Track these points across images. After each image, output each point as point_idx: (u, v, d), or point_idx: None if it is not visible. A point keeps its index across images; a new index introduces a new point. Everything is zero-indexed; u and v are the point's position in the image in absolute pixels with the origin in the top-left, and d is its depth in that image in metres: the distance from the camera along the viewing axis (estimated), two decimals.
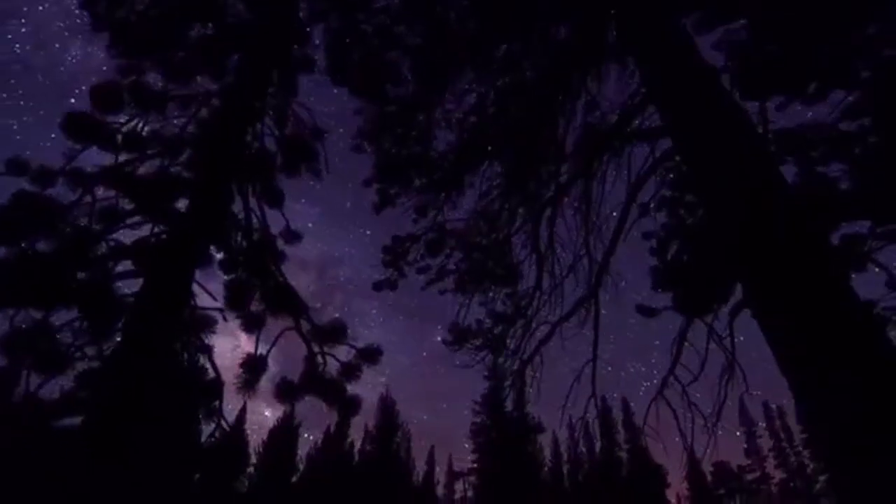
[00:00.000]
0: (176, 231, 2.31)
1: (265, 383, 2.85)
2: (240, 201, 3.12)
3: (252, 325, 2.86)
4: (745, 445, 40.17)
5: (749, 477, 39.69)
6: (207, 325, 2.75)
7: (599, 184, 7.03)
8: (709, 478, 40.51)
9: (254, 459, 32.65)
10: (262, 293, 2.94)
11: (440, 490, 39.66)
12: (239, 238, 2.97)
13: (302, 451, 34.12)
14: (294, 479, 32.18)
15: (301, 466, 33.16)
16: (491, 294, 8.07)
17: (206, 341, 2.75)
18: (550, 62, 6.80)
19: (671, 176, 6.74)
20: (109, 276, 2.33)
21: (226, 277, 3.03)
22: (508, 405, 6.38)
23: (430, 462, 38.77)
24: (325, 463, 32.61)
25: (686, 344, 5.82)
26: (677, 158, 6.29)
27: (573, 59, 6.59)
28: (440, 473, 40.53)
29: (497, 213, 7.79)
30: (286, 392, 2.77)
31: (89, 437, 1.74)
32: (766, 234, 3.42)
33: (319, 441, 35.22)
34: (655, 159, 6.03)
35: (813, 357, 2.82)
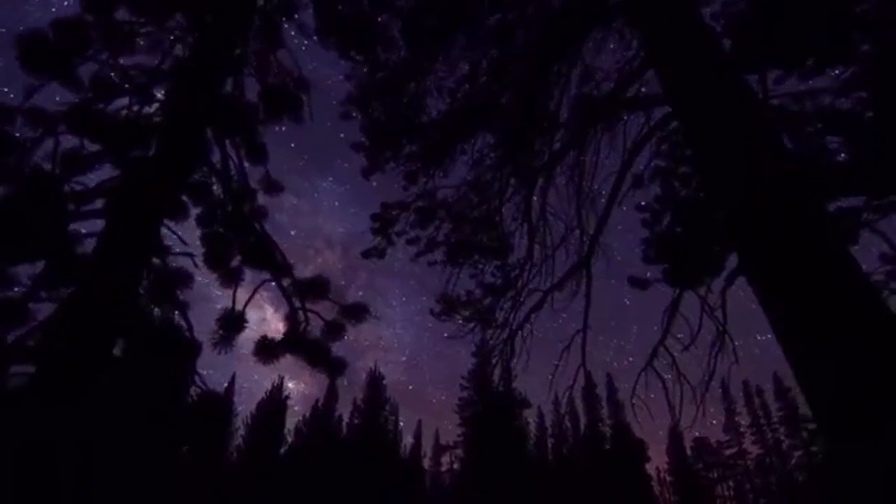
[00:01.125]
0: (143, 175, 2.13)
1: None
2: (217, 153, 2.94)
3: (229, 279, 2.70)
4: (725, 422, 41.29)
5: (727, 452, 40.91)
6: (182, 280, 2.60)
7: (593, 154, 6.90)
8: (688, 452, 41.74)
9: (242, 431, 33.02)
10: (240, 248, 2.78)
11: (427, 463, 40.41)
12: (217, 189, 2.80)
13: (290, 423, 34.51)
14: (282, 450, 32.56)
15: (290, 439, 33.55)
16: (481, 266, 7.98)
17: (181, 297, 2.61)
18: (545, 30, 6.57)
19: (665, 147, 6.63)
20: (69, 223, 2.17)
21: (202, 231, 2.86)
22: (496, 377, 6.34)
23: (418, 435, 39.42)
24: (313, 435, 32.96)
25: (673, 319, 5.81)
26: (673, 126, 6.17)
27: (569, 25, 6.37)
28: (427, 447, 41.23)
29: (488, 183, 7.64)
30: (266, 350, 2.65)
31: (41, 386, 1.61)
32: (766, 201, 3.33)
33: (308, 414, 35.61)
34: (650, 127, 5.89)
35: (813, 323, 2.75)
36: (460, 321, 7.30)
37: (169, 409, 2.39)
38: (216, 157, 3.02)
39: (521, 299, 6.25)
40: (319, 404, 35.80)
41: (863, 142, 5.78)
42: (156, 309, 2.71)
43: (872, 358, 2.36)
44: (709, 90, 4.02)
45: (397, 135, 6.83)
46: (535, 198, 6.92)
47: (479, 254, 7.97)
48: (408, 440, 38.52)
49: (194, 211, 2.89)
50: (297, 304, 2.74)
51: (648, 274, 6.02)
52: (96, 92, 2.51)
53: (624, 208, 6.78)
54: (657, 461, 42.52)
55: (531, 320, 5.92)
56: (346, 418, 35.40)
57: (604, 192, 6.54)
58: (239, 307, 2.62)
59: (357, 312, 2.78)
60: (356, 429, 33.98)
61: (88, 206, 2.26)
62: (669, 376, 4.80)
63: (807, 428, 37.15)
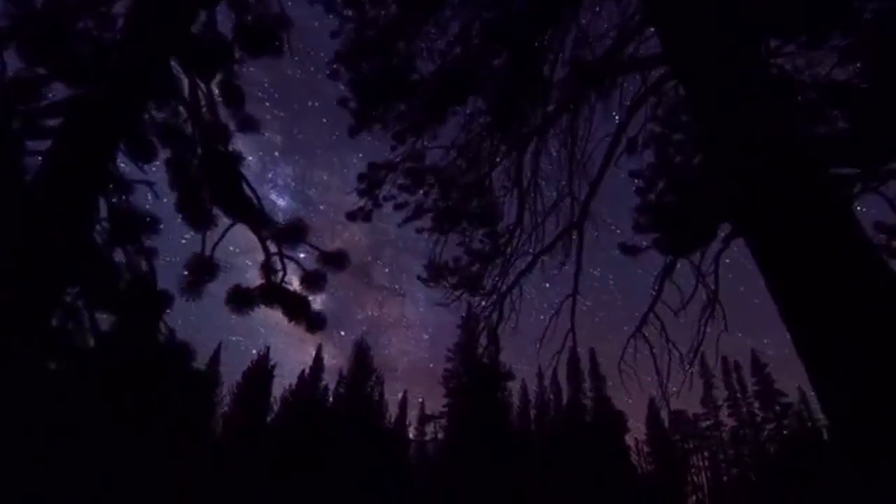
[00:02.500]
0: (96, 99, 1.90)
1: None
2: (188, 92, 2.69)
3: (199, 222, 2.50)
4: (702, 395, 42.47)
5: (703, 424, 42.21)
6: (147, 224, 2.40)
7: (587, 120, 6.72)
8: (666, 424, 43.04)
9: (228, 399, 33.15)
10: (215, 196, 2.57)
11: (412, 432, 41.08)
12: (185, 124, 2.57)
13: (277, 392, 34.70)
14: (269, 418, 32.81)
15: (276, 407, 33.77)
16: (469, 234, 7.84)
17: (149, 243, 2.40)
18: None
19: (661, 111, 6.46)
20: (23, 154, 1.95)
21: (172, 176, 2.64)
22: (483, 343, 6.28)
23: (403, 406, 39.92)
24: (299, 404, 33.20)
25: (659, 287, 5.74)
26: (670, 88, 5.99)
27: None
28: (412, 417, 41.82)
29: (478, 149, 7.43)
30: (239, 299, 2.47)
31: None
32: (781, 183, 3.20)
33: (294, 383, 35.80)
34: (647, 88, 5.70)
35: (819, 288, 2.66)
36: (448, 288, 7.19)
37: (134, 362, 2.22)
38: (189, 100, 2.78)
39: (511, 262, 6.14)
40: (306, 374, 36.03)
41: (861, 112, 5.68)
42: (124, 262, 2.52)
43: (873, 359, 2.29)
44: (713, 50, 3.84)
45: (386, 93, 6.56)
46: (526, 159, 6.73)
47: (467, 221, 7.82)
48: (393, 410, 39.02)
49: (164, 154, 2.67)
50: (273, 249, 2.56)
51: (644, 243, 5.92)
52: (48, 10, 2.24)
53: (620, 173, 6.64)
54: (636, 432, 43.71)
55: (521, 283, 5.81)
56: (331, 388, 35.65)
57: (597, 161, 6.38)
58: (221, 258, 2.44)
59: (338, 260, 2.60)
60: (342, 398, 34.27)
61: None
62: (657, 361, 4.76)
63: (780, 402, 38.47)
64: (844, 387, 2.44)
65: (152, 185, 2.39)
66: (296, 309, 2.58)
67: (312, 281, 2.63)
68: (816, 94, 5.90)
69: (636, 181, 6.70)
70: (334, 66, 6.51)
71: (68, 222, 1.65)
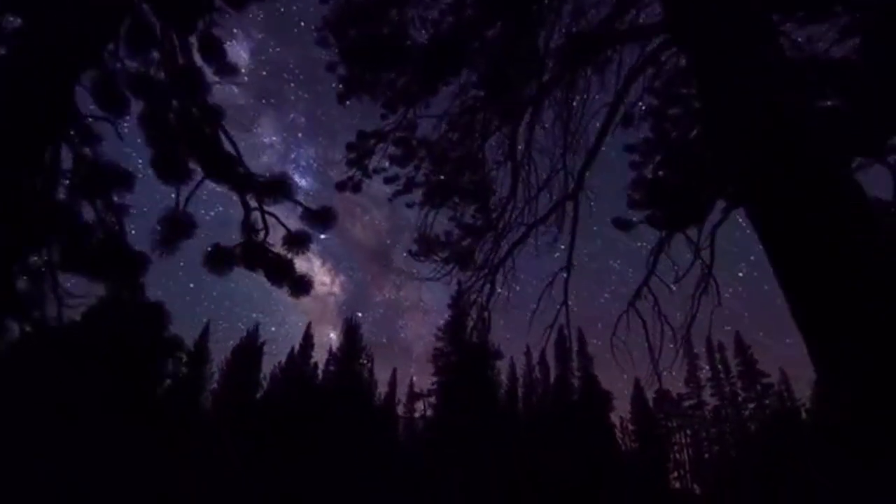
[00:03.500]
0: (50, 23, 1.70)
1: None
2: (162, 41, 2.50)
3: (174, 176, 2.32)
4: (686, 375, 43.26)
5: (687, 403, 43.11)
6: (121, 181, 2.23)
7: (583, 92, 6.57)
8: (650, 403, 43.91)
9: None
10: (190, 149, 2.40)
11: (401, 409, 41.45)
12: (159, 73, 2.38)
13: (266, 370, 34.69)
14: (258, 395, 32.87)
15: (265, 384, 33.82)
16: (460, 209, 7.72)
17: (119, 200, 2.24)
18: None
19: (658, 83, 6.32)
20: None
21: (147, 132, 2.46)
22: (474, 317, 6.19)
23: (392, 383, 40.19)
24: (288, 381, 33.27)
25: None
26: (668, 60, 5.84)
27: None
28: (402, 394, 42.14)
29: (470, 122, 7.25)
30: (217, 260, 2.32)
31: None
32: (773, 132, 3.10)
33: (283, 361, 35.81)
34: (645, 58, 5.54)
35: (820, 258, 2.59)
36: (439, 262, 7.10)
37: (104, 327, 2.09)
38: (163, 47, 2.59)
39: (504, 236, 6.03)
40: (295, 351, 36.04)
41: (860, 89, 5.59)
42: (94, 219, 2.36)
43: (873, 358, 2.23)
44: (715, 15, 3.70)
45: (376, 60, 6.33)
46: (520, 131, 6.57)
47: (458, 196, 7.69)
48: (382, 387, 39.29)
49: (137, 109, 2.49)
50: (254, 205, 2.40)
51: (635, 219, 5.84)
52: None
53: (618, 143, 6.52)
54: (621, 411, 44.57)
55: (513, 256, 5.72)
56: (321, 365, 35.74)
57: (592, 135, 6.25)
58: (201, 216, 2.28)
59: (324, 218, 2.45)
60: (331, 376, 34.39)
61: None
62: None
63: (761, 382, 39.37)
64: (845, 357, 2.39)
65: (115, 124, 2.21)
66: (279, 271, 2.44)
67: (296, 241, 2.49)
68: (815, 73, 5.79)
69: (631, 156, 6.59)
70: (322, 33, 6.25)
71: (21, 169, 1.50)
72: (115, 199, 2.21)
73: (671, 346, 4.66)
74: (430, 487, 28.17)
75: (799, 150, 2.97)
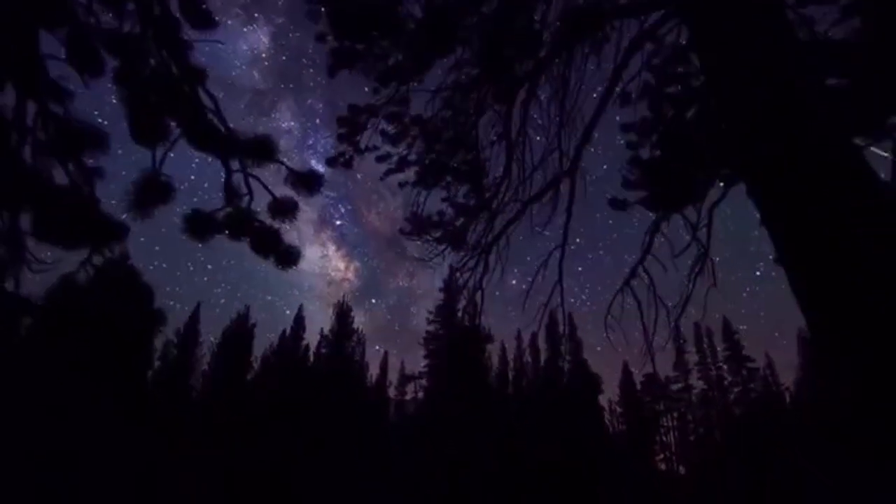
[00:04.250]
0: None
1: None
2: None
3: (148, 136, 2.16)
4: (674, 360, 43.87)
5: (674, 387, 43.81)
6: (94, 142, 2.08)
7: (579, 70, 6.41)
8: (638, 387, 44.60)
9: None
10: (168, 112, 2.25)
11: (392, 391, 41.69)
12: (135, 29, 2.22)
13: (258, 352, 34.65)
14: (249, 376, 32.88)
15: (256, 366, 33.81)
16: (454, 190, 7.61)
17: (93, 163, 2.10)
18: None
19: (657, 60, 6.19)
20: None
21: (122, 92, 2.30)
22: (467, 295, 6.10)
23: (384, 366, 40.35)
24: (280, 363, 33.29)
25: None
26: (667, 30, 5.70)
27: None
28: (393, 377, 42.33)
29: (464, 100, 7.09)
30: (197, 226, 2.19)
31: None
32: (777, 106, 3.02)
33: (275, 343, 35.78)
34: (643, 32, 5.40)
35: (824, 234, 2.54)
36: (431, 242, 6.99)
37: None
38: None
39: (497, 216, 5.93)
40: (286, 333, 35.98)
41: (861, 69, 5.53)
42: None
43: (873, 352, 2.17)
44: None
45: (368, 30, 6.12)
46: (515, 109, 6.43)
47: (452, 176, 7.57)
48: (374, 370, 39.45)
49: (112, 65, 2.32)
50: (236, 167, 2.25)
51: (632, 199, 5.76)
52: None
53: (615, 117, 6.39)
54: (610, 394, 45.32)
55: (507, 234, 5.63)
56: (312, 347, 35.76)
57: (588, 114, 6.12)
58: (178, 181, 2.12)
59: (310, 181, 2.32)
60: (323, 358, 34.44)
61: None
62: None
63: (747, 367, 40.05)
64: (845, 348, 2.35)
65: (84, 79, 2.04)
66: (264, 241, 2.31)
67: (283, 209, 2.36)
68: (816, 53, 5.70)
69: (628, 135, 6.48)
70: (312, 5, 6.02)
71: None
72: (89, 161, 2.07)
73: (666, 332, 4.62)
74: (420, 469, 28.49)
75: (807, 129, 2.89)
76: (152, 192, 2.05)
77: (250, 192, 2.28)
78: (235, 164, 2.20)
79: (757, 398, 38.35)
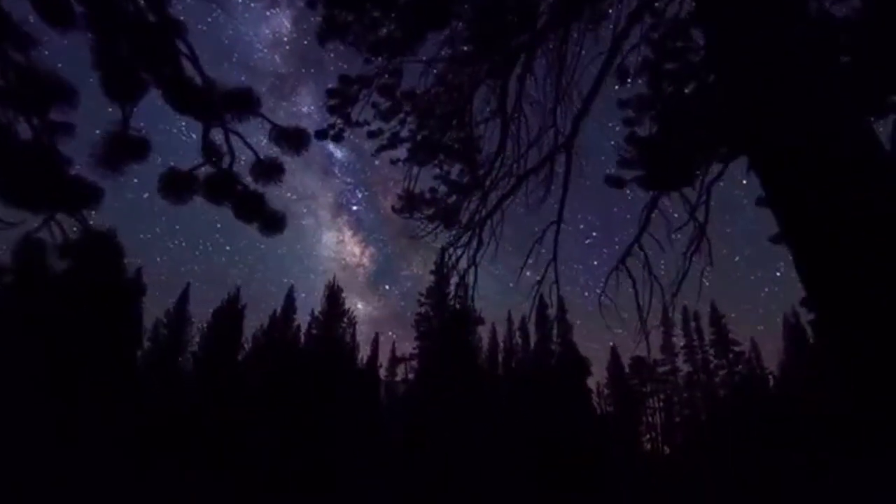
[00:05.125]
0: None
1: None
2: None
3: (121, 91, 1.99)
4: (662, 343, 44.47)
5: (661, 369, 44.51)
6: (60, 95, 1.92)
7: (577, 44, 6.25)
8: (626, 369, 45.28)
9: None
10: (146, 66, 2.08)
11: (382, 373, 41.90)
12: None
13: (248, 332, 34.53)
14: (240, 357, 32.82)
15: (247, 346, 33.74)
16: (446, 168, 7.48)
17: (61, 118, 1.93)
18: None
19: (656, 34, 6.04)
20: None
21: (93, 41, 2.12)
22: (459, 272, 5.98)
23: (375, 347, 40.43)
24: (270, 344, 33.24)
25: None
26: (665, 4, 5.56)
27: None
28: (384, 359, 42.49)
29: (457, 75, 6.91)
30: (173, 185, 2.03)
31: None
32: (784, 78, 2.92)
33: (265, 324, 35.66)
34: (642, 3, 5.24)
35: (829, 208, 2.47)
36: (423, 219, 6.88)
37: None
38: None
39: (491, 191, 5.81)
40: (277, 314, 35.86)
41: (862, 47, 5.45)
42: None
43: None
44: None
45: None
46: (511, 85, 6.27)
47: (444, 154, 7.43)
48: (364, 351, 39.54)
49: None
50: (215, 121, 2.08)
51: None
52: None
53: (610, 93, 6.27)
54: (598, 376, 46.00)
55: (503, 208, 5.51)
56: (303, 328, 35.72)
57: (585, 89, 5.98)
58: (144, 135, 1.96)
59: (297, 138, 2.16)
60: (314, 339, 34.43)
61: None
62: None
63: (733, 350, 40.73)
64: (846, 338, 2.29)
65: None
66: (248, 205, 2.16)
67: (267, 170, 2.20)
68: (818, 31, 5.60)
69: (625, 111, 6.36)
70: None
71: None
72: (56, 116, 1.91)
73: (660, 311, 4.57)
74: (410, 450, 28.80)
75: (814, 107, 2.81)
76: (122, 147, 1.89)
77: (231, 152, 2.12)
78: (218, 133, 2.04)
79: (741, 381, 39.10)
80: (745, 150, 3.27)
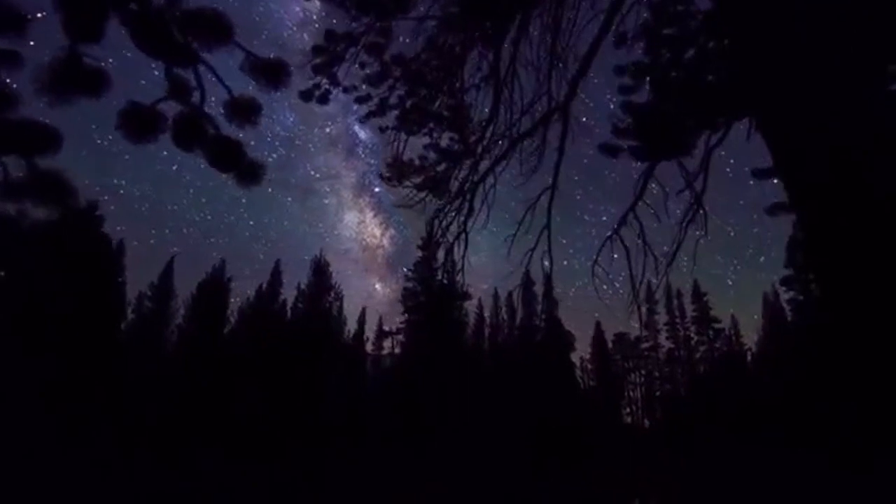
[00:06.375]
0: None
1: None
2: None
3: (78, 28, 1.72)
4: (645, 320, 45.23)
5: (643, 346, 45.41)
6: (10, 24, 1.68)
7: (572, 8, 5.99)
8: (610, 345, 46.13)
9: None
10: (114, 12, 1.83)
11: (369, 347, 42.03)
12: None
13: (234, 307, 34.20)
14: (225, 330, 32.58)
15: (233, 320, 33.47)
16: (436, 136, 7.24)
17: (7, 45, 1.69)
18: None
19: None
20: None
21: None
22: (449, 239, 5.81)
23: (361, 321, 40.40)
24: (256, 317, 32.99)
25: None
26: None
27: None
28: (371, 333, 42.55)
29: (448, 39, 6.61)
30: (135, 121, 1.80)
31: None
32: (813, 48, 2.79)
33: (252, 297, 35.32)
34: None
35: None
36: (411, 188, 6.68)
37: None
38: None
39: (483, 157, 5.62)
40: (263, 288, 35.52)
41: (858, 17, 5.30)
42: None
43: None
44: None
45: None
46: (504, 50, 6.01)
47: (434, 122, 7.18)
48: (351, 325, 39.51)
49: None
50: (180, 39, 1.79)
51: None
52: None
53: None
54: (582, 352, 46.81)
55: (495, 172, 5.34)
56: (290, 302, 35.50)
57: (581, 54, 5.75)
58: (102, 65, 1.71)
59: (275, 71, 1.92)
60: (300, 313, 34.27)
61: None
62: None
63: (713, 327, 41.63)
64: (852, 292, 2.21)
65: None
66: (223, 153, 1.94)
67: (241, 108, 1.97)
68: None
69: (621, 79, 6.17)
70: None
71: None
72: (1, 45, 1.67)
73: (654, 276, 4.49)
74: (396, 422, 29.13)
75: (832, 65, 2.68)
76: (72, 77, 1.66)
77: (201, 87, 1.89)
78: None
79: (720, 356, 40.09)
80: (755, 112, 3.13)
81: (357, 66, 5.78)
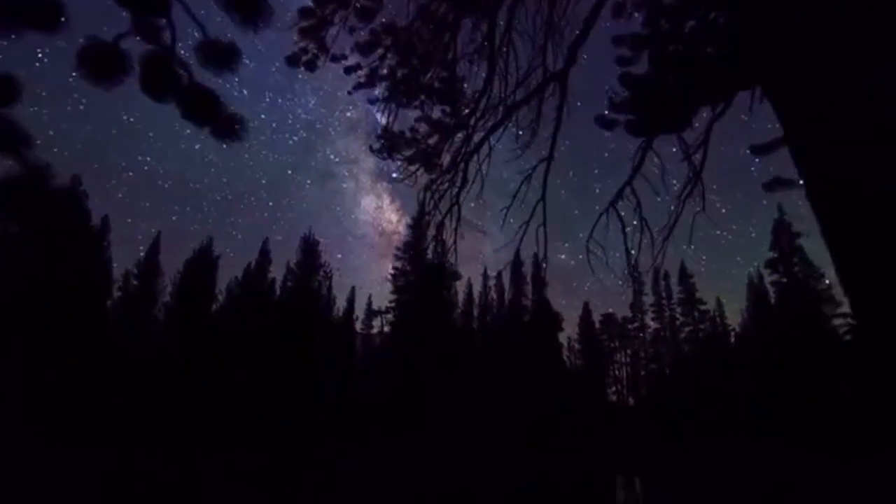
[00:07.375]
0: None
1: None
2: None
3: None
4: (632, 301, 45.70)
5: (630, 326, 46.01)
6: None
7: None
8: (597, 325, 46.70)
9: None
10: None
11: (359, 325, 42.11)
12: None
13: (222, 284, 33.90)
14: (214, 308, 32.32)
15: (221, 298, 33.18)
16: (428, 108, 7.03)
17: None
18: None
19: None
20: None
21: None
22: (441, 215, 5.65)
23: (351, 300, 40.35)
24: (245, 295, 32.75)
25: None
26: None
27: None
28: (360, 311, 42.60)
29: (440, 9, 6.37)
30: (94, 63, 1.61)
31: None
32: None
33: (240, 276, 35.01)
34: None
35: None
36: (402, 161, 6.50)
37: None
38: None
39: (476, 129, 5.45)
40: (251, 266, 35.19)
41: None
42: None
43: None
44: None
45: None
46: (499, 19, 5.80)
47: (426, 94, 6.96)
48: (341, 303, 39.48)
49: None
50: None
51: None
52: None
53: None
54: (569, 332, 47.30)
55: (489, 141, 5.18)
56: (279, 281, 35.28)
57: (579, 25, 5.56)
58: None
59: (254, 6, 1.71)
60: (289, 291, 34.07)
61: None
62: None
63: (699, 309, 42.24)
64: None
65: None
66: (197, 103, 1.76)
67: (216, 51, 1.78)
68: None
69: (619, 49, 5.99)
70: None
71: None
72: None
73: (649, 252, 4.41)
74: (384, 401, 29.34)
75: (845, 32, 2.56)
76: (21, 7, 1.47)
77: (172, 27, 1.68)
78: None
79: (705, 337, 40.78)
80: (764, 84, 3.00)
81: (347, 30, 5.51)
